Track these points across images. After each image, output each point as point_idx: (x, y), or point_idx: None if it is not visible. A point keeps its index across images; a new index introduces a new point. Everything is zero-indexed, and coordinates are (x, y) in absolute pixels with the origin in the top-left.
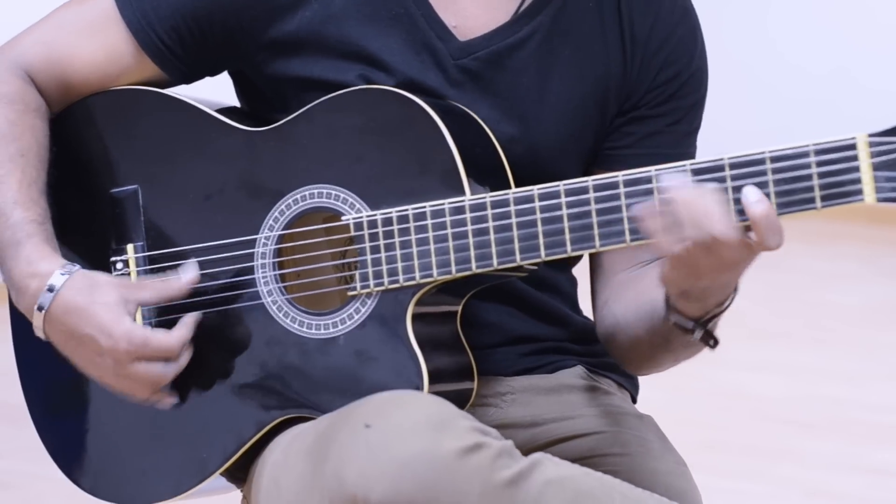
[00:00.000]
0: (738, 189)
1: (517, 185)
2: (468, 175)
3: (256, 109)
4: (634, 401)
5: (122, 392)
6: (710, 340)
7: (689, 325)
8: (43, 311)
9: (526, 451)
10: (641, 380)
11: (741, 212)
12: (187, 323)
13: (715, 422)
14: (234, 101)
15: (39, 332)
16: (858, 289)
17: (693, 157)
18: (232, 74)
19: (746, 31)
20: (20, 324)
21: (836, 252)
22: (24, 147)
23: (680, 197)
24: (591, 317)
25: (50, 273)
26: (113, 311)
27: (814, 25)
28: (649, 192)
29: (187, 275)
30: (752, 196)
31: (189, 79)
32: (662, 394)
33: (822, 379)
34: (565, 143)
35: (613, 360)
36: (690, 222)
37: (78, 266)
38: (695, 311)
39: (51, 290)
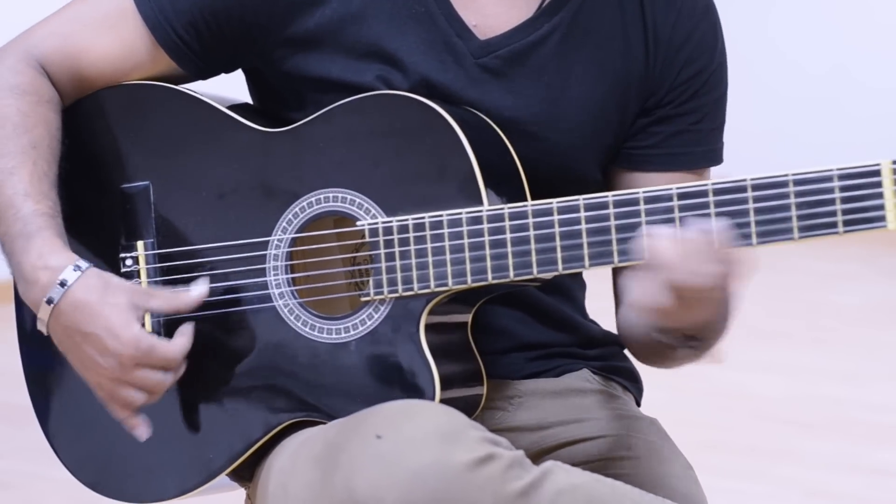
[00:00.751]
0: (759, 211)
1: (539, 185)
2: (485, 182)
3: (269, 108)
4: (639, 404)
5: (110, 398)
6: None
7: (696, 345)
8: (52, 305)
9: (534, 455)
10: (642, 379)
11: None
12: (187, 332)
13: (715, 422)
14: (245, 97)
15: (42, 326)
16: (858, 289)
17: (720, 152)
18: (246, 72)
19: (747, 30)
20: (26, 320)
21: (836, 252)
22: (37, 139)
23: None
24: (598, 321)
25: (62, 267)
26: (123, 314)
27: (813, 24)
28: (669, 210)
29: (198, 290)
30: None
31: (205, 74)
32: (663, 394)
33: (822, 379)
34: (587, 142)
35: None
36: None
37: (90, 264)
38: (699, 334)
39: (62, 284)
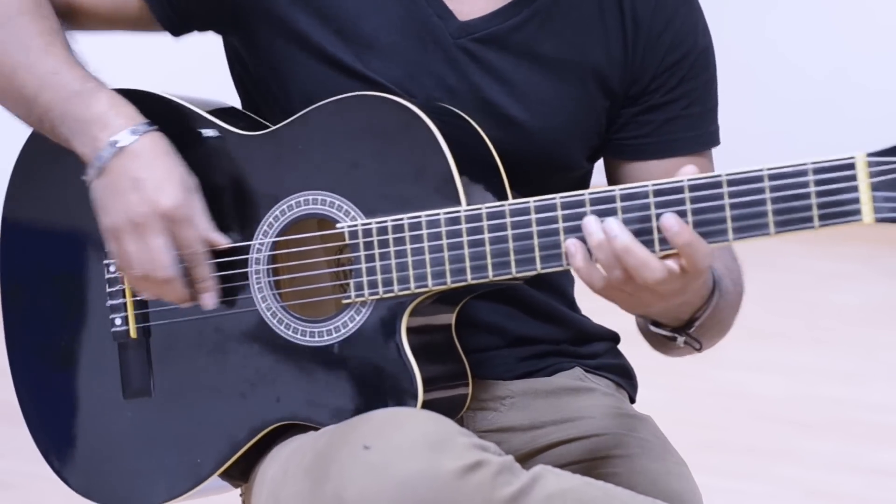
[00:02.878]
0: (734, 206)
1: (522, 174)
2: (464, 181)
3: (255, 105)
4: (633, 401)
5: (127, 253)
6: (695, 344)
7: (668, 333)
8: (117, 147)
9: (526, 454)
10: (640, 379)
11: (663, 240)
12: (223, 240)
13: (715, 422)
14: (232, 100)
15: (99, 164)
16: (858, 289)
17: (716, 134)
18: (229, 59)
19: (746, 33)
20: (11, 327)
21: (836, 252)
22: (56, 26)
23: (619, 243)
24: (588, 315)
25: (135, 116)
26: (179, 181)
27: (813, 27)
28: (646, 207)
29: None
30: (674, 227)
31: (176, 28)
32: (662, 394)
33: (822, 379)
34: (569, 126)
35: None
36: (625, 268)
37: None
38: (671, 322)
39: (135, 132)
